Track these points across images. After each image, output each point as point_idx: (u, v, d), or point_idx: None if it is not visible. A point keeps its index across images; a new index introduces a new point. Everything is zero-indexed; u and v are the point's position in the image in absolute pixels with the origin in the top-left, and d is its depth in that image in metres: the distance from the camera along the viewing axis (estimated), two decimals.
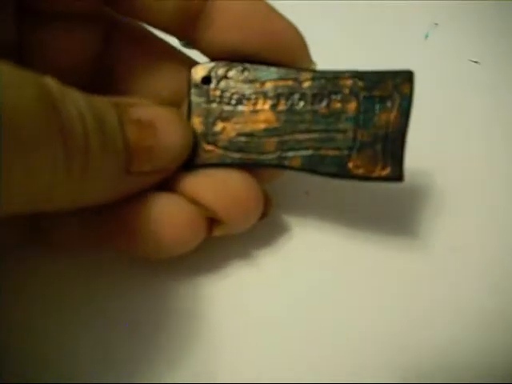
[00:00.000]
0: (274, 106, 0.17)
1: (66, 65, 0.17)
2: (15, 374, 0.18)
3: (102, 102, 0.14)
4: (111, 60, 0.18)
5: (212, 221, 0.18)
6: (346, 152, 0.17)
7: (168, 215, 0.17)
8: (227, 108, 0.17)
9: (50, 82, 0.12)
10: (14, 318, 0.19)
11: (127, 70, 0.18)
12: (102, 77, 0.18)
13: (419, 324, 0.20)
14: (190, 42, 0.18)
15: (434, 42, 0.27)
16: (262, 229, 0.20)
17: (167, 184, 0.17)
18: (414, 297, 0.20)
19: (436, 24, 0.27)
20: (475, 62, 0.26)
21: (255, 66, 0.17)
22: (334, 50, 0.25)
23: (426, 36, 0.27)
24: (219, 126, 0.17)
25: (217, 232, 0.18)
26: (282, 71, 0.17)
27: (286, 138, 0.17)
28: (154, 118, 0.16)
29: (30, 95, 0.11)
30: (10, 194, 0.11)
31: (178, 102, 0.18)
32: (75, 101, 0.13)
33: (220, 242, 0.19)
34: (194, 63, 0.19)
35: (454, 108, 0.25)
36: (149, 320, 0.19)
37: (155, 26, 0.18)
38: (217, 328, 0.19)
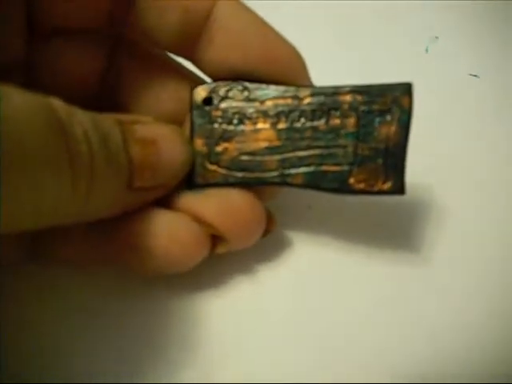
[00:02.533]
0: (274, 125, 0.17)
1: (72, 80, 0.18)
2: (16, 374, 0.18)
3: (107, 121, 0.15)
4: (116, 75, 0.19)
5: (215, 238, 0.18)
6: (347, 167, 0.17)
7: (172, 233, 0.17)
8: (229, 128, 0.18)
9: (57, 104, 0.13)
10: (15, 320, 0.19)
11: (131, 85, 0.19)
12: (107, 91, 0.19)
13: (419, 336, 0.20)
14: (190, 61, 0.18)
15: (434, 56, 0.27)
16: (263, 243, 0.20)
17: (171, 202, 0.17)
18: (414, 310, 0.20)
19: (436, 37, 0.27)
20: (474, 75, 0.26)
21: (255, 85, 0.17)
22: (333, 64, 0.25)
23: (427, 50, 0.27)
24: (221, 147, 0.18)
25: (220, 249, 0.18)
26: (281, 89, 0.17)
27: (288, 155, 0.17)
28: (156, 137, 0.16)
29: (39, 120, 0.12)
30: (17, 214, 0.12)
31: (182, 117, 0.19)
32: (81, 122, 0.13)
33: (221, 256, 0.19)
34: (198, 78, 0.19)
35: (454, 122, 0.25)
36: (148, 334, 0.19)
37: (157, 46, 0.18)
38: (217, 342, 0.19)
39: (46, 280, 0.20)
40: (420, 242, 0.21)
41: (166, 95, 0.19)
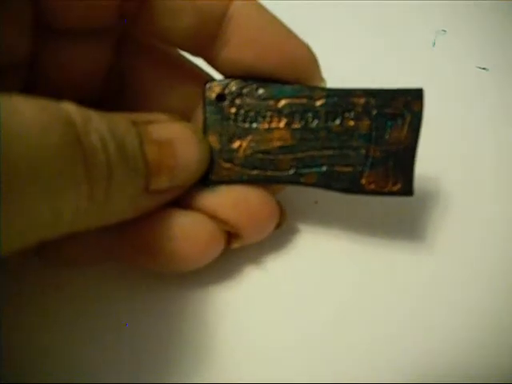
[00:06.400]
0: (288, 125, 0.18)
1: (79, 77, 0.18)
2: (18, 374, 0.18)
3: (123, 124, 0.14)
4: (123, 71, 0.19)
5: (229, 234, 0.18)
6: (358, 168, 0.18)
7: (189, 233, 0.17)
8: (243, 125, 0.18)
9: (72, 111, 0.12)
10: (20, 323, 0.19)
11: (139, 81, 0.19)
12: (114, 87, 0.19)
13: (424, 325, 0.20)
14: (204, 60, 0.18)
15: (442, 50, 0.27)
16: (273, 236, 0.20)
17: (187, 201, 0.18)
18: (418, 299, 0.21)
19: (444, 31, 0.27)
20: (483, 68, 0.27)
21: (269, 84, 0.18)
22: (342, 59, 0.25)
23: (433, 44, 0.27)
24: (235, 144, 0.18)
25: (235, 245, 0.19)
26: (296, 89, 0.18)
27: (301, 155, 0.18)
28: (172, 137, 0.16)
29: (53, 134, 0.12)
30: (35, 227, 0.12)
31: (189, 113, 0.19)
32: (98, 129, 0.13)
33: (232, 249, 0.19)
34: (206, 74, 0.19)
35: (462, 115, 0.25)
36: (161, 326, 0.20)
37: (171, 44, 0.18)
38: (228, 332, 0.20)
39: (50, 278, 0.20)
40: (424, 232, 0.22)
41: (174, 91, 0.19)
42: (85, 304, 0.20)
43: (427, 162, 0.23)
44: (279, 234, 0.21)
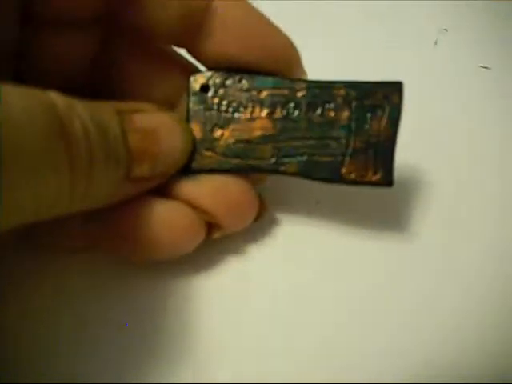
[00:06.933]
0: (270, 114, 0.18)
1: (66, 67, 0.18)
2: (14, 373, 0.18)
3: (106, 112, 0.15)
4: (110, 62, 0.19)
5: (210, 224, 0.18)
6: (339, 158, 0.18)
7: (169, 221, 0.17)
8: (225, 115, 0.18)
9: (57, 100, 0.13)
10: (12, 316, 0.19)
11: (126, 72, 0.19)
12: (102, 78, 0.19)
13: (423, 325, 0.20)
14: (188, 52, 0.18)
15: (444, 49, 0.27)
16: (256, 228, 0.20)
17: (167, 190, 0.18)
18: (419, 300, 0.20)
19: (445, 30, 0.27)
20: (485, 67, 0.26)
21: (252, 76, 0.18)
22: (344, 57, 0.26)
23: (436, 43, 0.27)
24: (217, 133, 0.18)
25: (216, 235, 0.19)
26: (278, 80, 0.18)
27: (282, 144, 0.18)
28: (156, 126, 0.16)
29: (39, 122, 0.12)
30: (17, 213, 0.12)
31: (175, 103, 0.19)
32: (80, 116, 0.13)
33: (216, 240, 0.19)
34: (191, 65, 0.19)
35: (464, 114, 0.25)
36: (146, 318, 0.20)
37: (158, 38, 0.18)
38: (214, 322, 0.20)
39: (42, 278, 0.20)
40: (409, 223, 0.22)
41: (159, 82, 0.19)
42: (67, 296, 0.20)
43: (428, 162, 0.23)
44: (263, 224, 0.21)
